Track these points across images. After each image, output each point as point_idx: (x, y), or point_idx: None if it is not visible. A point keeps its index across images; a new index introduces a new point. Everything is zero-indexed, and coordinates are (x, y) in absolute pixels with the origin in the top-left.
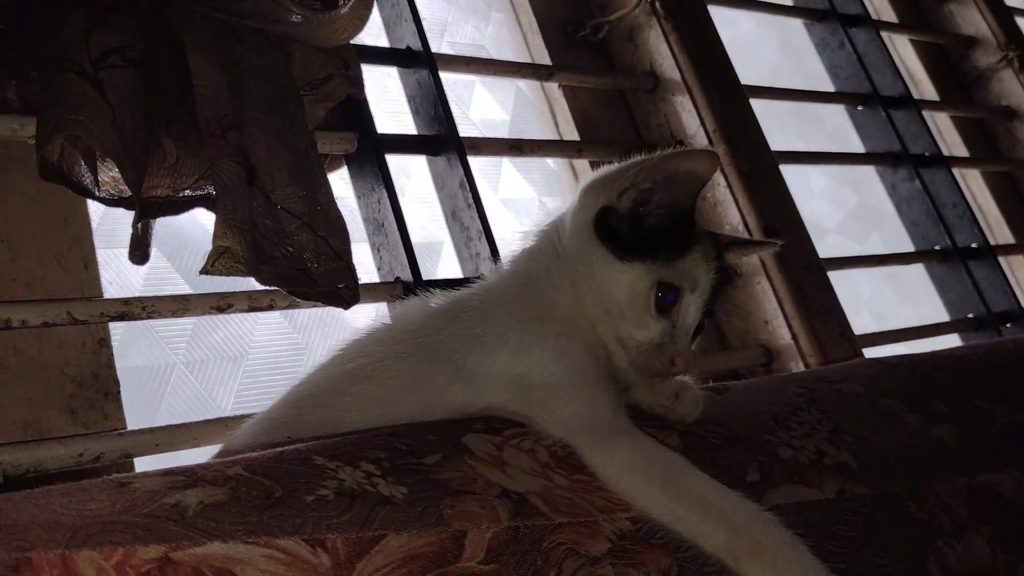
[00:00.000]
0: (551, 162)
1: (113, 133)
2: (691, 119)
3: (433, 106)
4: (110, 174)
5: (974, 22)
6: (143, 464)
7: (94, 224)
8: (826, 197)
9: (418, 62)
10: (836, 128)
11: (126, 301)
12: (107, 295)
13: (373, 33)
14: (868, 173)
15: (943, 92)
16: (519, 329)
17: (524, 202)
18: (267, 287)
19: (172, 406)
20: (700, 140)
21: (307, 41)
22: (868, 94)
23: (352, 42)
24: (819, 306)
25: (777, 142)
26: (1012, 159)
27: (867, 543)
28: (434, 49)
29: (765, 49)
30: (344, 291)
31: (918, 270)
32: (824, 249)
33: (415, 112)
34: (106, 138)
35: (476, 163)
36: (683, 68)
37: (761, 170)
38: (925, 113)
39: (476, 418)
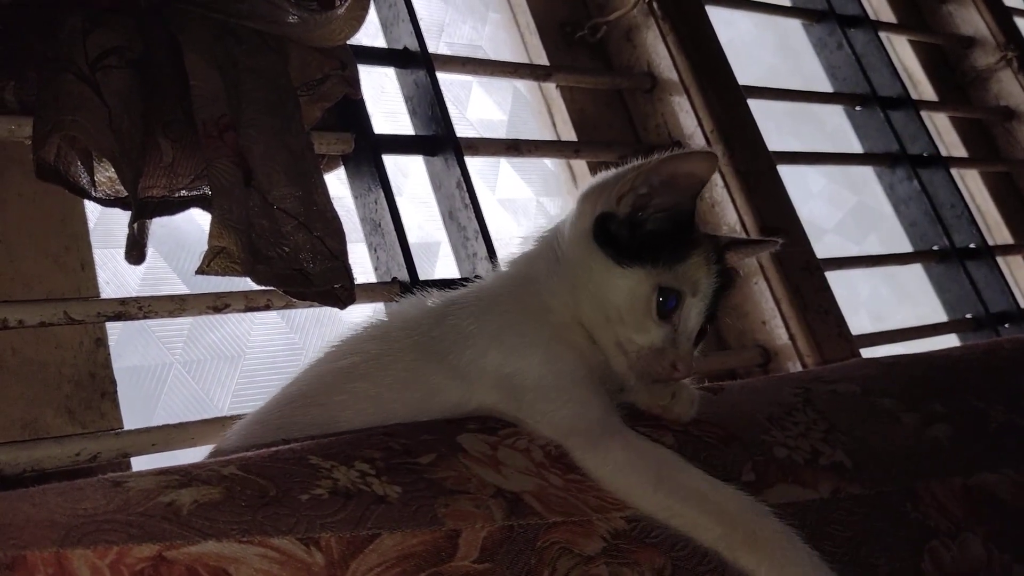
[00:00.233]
0: (549, 162)
1: (110, 134)
2: (689, 119)
3: (430, 106)
4: (107, 174)
5: (973, 22)
6: (140, 464)
7: (91, 224)
8: (824, 197)
9: (415, 62)
10: (834, 128)
11: (123, 301)
12: (104, 295)
13: (370, 34)
14: (866, 173)
15: (941, 92)
16: (513, 330)
17: (521, 202)
18: (263, 287)
19: (169, 406)
20: (698, 140)
21: (304, 42)
22: (866, 94)
23: (349, 42)
24: (817, 306)
25: (775, 142)
26: (1010, 159)
27: (862, 543)
28: (431, 49)
29: (763, 49)
30: (340, 291)
31: (916, 270)
32: (822, 249)
33: (412, 112)
34: (103, 139)
35: (473, 163)
36: (681, 68)
37: (759, 170)
38: (923, 113)
39: (471, 418)
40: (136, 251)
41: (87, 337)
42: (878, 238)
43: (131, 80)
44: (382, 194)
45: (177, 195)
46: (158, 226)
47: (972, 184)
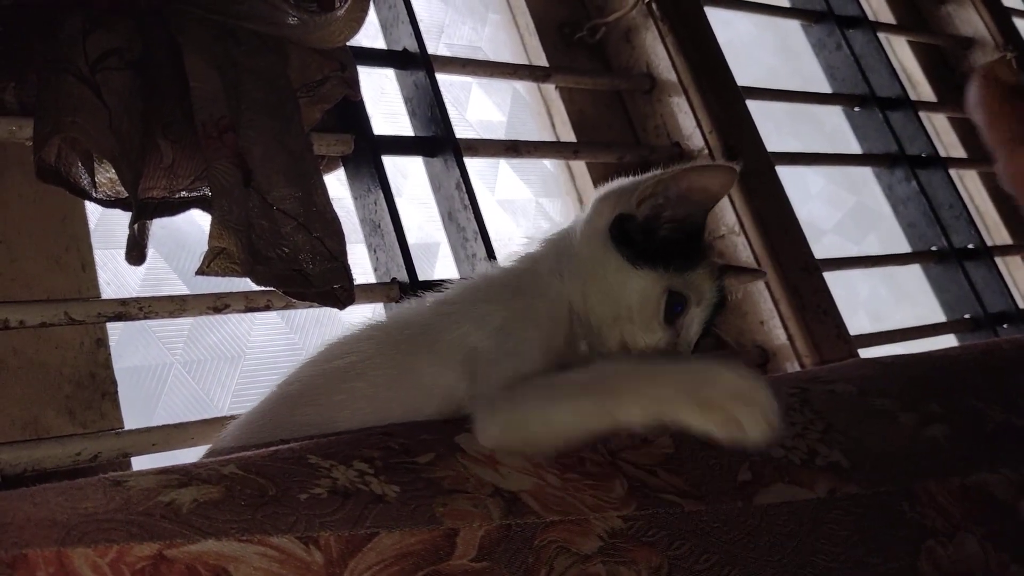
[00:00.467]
0: (548, 163)
1: (110, 135)
2: (687, 120)
3: (430, 107)
4: (107, 175)
5: (972, 23)
6: (140, 463)
7: (92, 225)
8: (823, 198)
9: (415, 64)
10: (833, 129)
11: (123, 301)
12: (105, 295)
13: (370, 35)
14: (865, 174)
15: (940, 93)
16: (491, 309)
17: (521, 203)
18: (263, 288)
19: (169, 406)
20: (696, 141)
21: (303, 43)
22: (865, 95)
23: (349, 44)
24: (815, 307)
25: (774, 143)
26: None
27: (859, 542)
28: (431, 51)
29: (762, 50)
30: (339, 292)
31: (915, 271)
32: (821, 250)
33: (412, 114)
34: (103, 140)
35: (473, 164)
36: (679, 69)
37: (757, 171)
38: (922, 114)
39: (470, 418)
40: (136, 252)
41: (88, 337)
42: (877, 238)
43: (131, 81)
44: (381, 195)
45: (177, 196)
46: (158, 227)
47: (971, 185)
